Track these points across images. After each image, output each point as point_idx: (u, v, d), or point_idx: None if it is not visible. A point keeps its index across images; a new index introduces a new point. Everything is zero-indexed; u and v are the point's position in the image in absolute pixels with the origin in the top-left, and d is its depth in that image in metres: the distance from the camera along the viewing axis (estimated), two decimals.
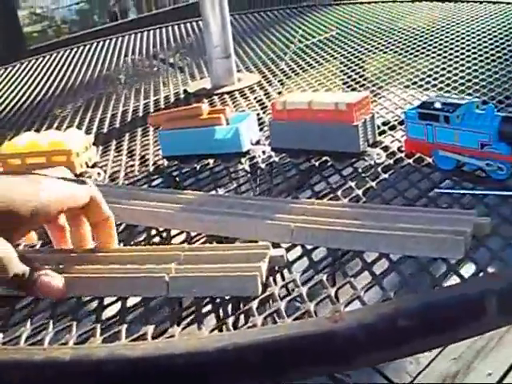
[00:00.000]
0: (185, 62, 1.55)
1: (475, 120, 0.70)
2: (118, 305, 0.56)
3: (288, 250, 0.60)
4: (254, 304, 0.52)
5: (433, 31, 1.46)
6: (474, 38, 1.35)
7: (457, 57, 1.21)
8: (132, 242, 0.68)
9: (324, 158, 0.80)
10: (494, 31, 1.38)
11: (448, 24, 1.52)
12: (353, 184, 0.72)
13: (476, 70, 1.10)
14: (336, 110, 0.75)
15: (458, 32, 1.42)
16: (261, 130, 0.91)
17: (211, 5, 1.20)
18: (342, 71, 1.24)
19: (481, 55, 1.20)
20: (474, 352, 1.81)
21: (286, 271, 0.57)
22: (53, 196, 0.55)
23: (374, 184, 0.72)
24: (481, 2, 1.72)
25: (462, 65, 1.15)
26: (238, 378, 0.47)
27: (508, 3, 1.64)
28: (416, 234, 0.56)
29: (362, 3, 1.94)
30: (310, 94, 0.86)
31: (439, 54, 1.26)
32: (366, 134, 0.77)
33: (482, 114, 0.70)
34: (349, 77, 1.19)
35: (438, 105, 0.72)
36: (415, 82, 1.09)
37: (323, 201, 0.67)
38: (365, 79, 1.17)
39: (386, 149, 0.81)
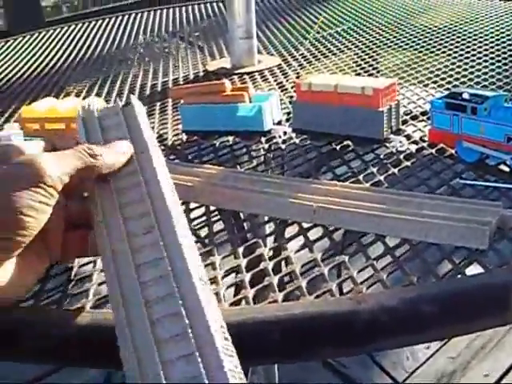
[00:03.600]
0: (204, 41, 1.54)
1: (503, 113, 0.69)
2: None
3: (309, 229, 0.59)
4: (275, 280, 0.52)
5: (453, 28, 1.44)
6: (494, 35, 1.33)
7: (474, 55, 1.19)
8: None
9: (345, 143, 0.79)
10: None
11: (469, 21, 1.50)
12: (374, 170, 0.71)
13: (493, 70, 1.08)
14: (362, 94, 0.74)
15: (480, 29, 1.40)
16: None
17: None
18: (358, 65, 1.22)
19: (504, 52, 1.19)
20: (472, 352, 1.80)
21: (307, 250, 0.56)
22: None
23: (395, 171, 0.71)
24: (505, 0, 1.70)
25: (479, 63, 1.13)
26: (256, 354, 0.46)
27: None
28: (440, 222, 0.55)
29: None
30: (336, 77, 0.85)
31: (455, 52, 1.23)
32: (391, 120, 0.76)
33: (510, 107, 0.69)
34: (362, 68, 1.18)
35: (466, 95, 0.71)
36: (430, 78, 1.07)
37: (346, 183, 0.66)
38: (378, 72, 1.16)
39: (408, 137, 0.80)
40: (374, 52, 1.28)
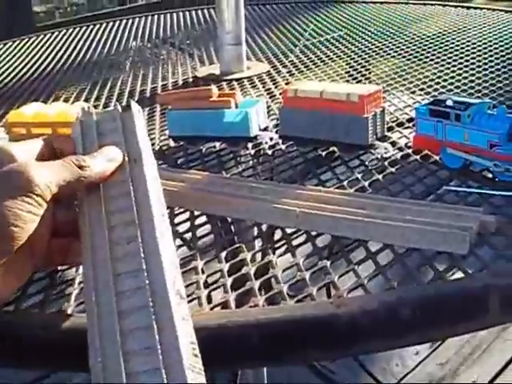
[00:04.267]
0: (194, 47, 1.54)
1: (486, 120, 0.69)
2: None
3: (292, 234, 0.60)
4: (256, 284, 0.52)
5: (443, 37, 1.45)
6: (484, 45, 1.34)
7: (461, 64, 1.20)
8: None
9: (331, 149, 0.79)
10: (506, 39, 1.38)
11: (459, 30, 1.51)
12: (359, 175, 0.72)
13: (479, 78, 1.09)
14: (347, 100, 0.75)
15: (468, 39, 1.41)
16: (268, 117, 0.91)
17: None
18: (347, 72, 1.23)
19: (491, 61, 1.20)
20: (460, 358, 1.81)
21: (289, 255, 0.57)
22: None
23: (380, 177, 0.71)
24: (493, 10, 1.71)
25: (466, 71, 1.14)
26: (237, 358, 0.47)
27: None
28: (421, 227, 0.56)
29: (374, 3, 1.93)
30: (322, 84, 0.85)
31: (443, 60, 1.24)
32: (375, 127, 0.77)
33: (493, 114, 0.70)
34: (350, 75, 1.19)
35: (449, 102, 0.72)
36: (417, 85, 1.08)
37: (329, 189, 0.67)
38: (366, 79, 1.16)
39: (393, 144, 0.80)
40: (363, 60, 1.29)
